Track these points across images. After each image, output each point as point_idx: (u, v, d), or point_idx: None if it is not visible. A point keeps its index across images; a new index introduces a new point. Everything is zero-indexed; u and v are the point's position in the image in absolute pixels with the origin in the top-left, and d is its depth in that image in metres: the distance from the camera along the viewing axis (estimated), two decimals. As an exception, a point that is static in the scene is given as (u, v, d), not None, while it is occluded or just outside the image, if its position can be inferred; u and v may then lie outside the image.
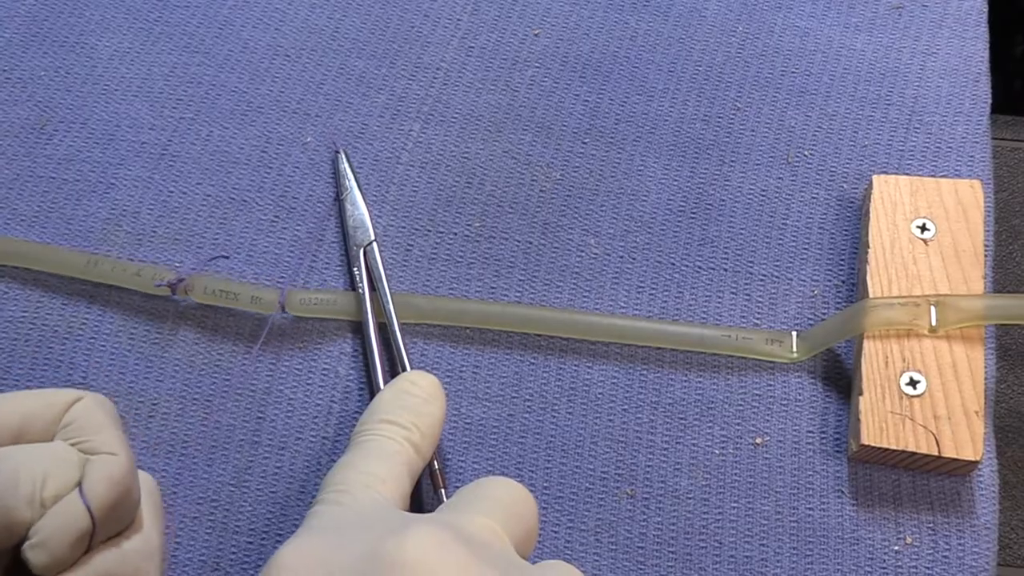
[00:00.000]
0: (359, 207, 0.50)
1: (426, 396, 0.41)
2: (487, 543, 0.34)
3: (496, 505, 0.36)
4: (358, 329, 0.48)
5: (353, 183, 0.51)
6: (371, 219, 0.50)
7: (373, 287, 0.48)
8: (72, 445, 0.35)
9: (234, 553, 0.44)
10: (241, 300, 0.47)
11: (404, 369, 0.46)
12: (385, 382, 0.45)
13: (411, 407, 0.41)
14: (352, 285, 0.49)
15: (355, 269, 0.49)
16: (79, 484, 0.34)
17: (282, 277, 0.49)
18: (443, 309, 0.48)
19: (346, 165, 0.51)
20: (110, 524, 0.35)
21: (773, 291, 0.49)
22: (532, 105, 0.54)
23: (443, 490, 0.44)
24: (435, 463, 0.44)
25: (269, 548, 0.44)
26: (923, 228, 0.48)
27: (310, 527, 0.36)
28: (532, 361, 0.48)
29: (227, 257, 0.49)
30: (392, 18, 0.57)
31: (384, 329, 0.47)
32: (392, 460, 0.39)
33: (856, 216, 0.51)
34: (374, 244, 0.49)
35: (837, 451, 0.45)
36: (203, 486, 0.45)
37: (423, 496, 0.44)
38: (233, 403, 0.47)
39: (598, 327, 0.47)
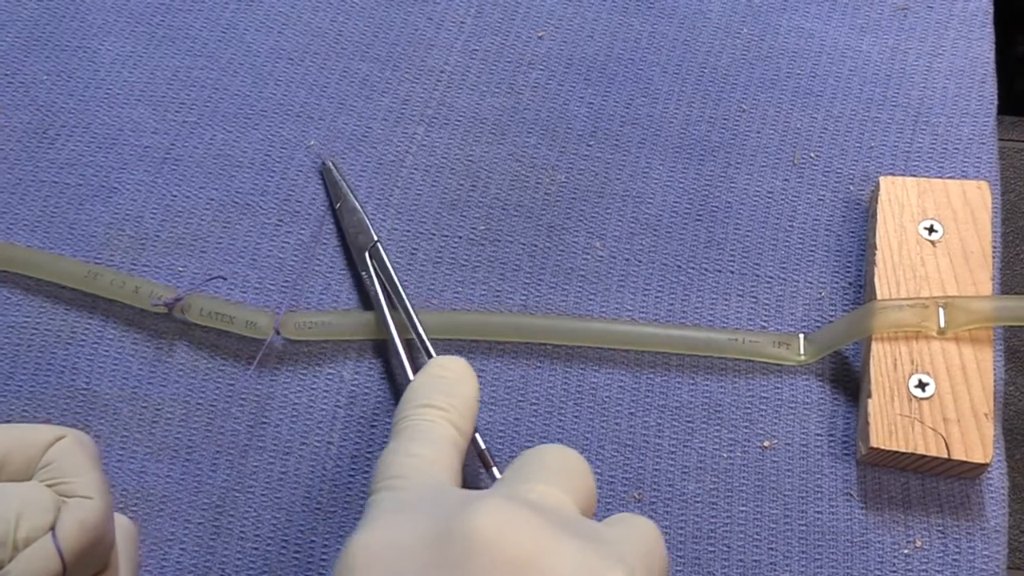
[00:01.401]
0: (357, 211, 0.50)
1: (457, 377, 0.41)
2: (554, 509, 0.34)
3: (553, 471, 0.36)
4: (363, 333, 0.48)
5: (347, 189, 0.50)
6: (375, 222, 0.50)
7: (384, 287, 0.48)
8: (49, 486, 0.35)
9: (239, 558, 0.44)
10: (236, 324, 0.47)
11: (429, 356, 0.46)
12: (413, 372, 0.45)
13: (445, 389, 0.41)
14: (359, 289, 0.48)
15: (363, 273, 0.48)
16: (52, 527, 0.34)
17: (286, 281, 0.49)
18: (452, 323, 0.47)
19: (336, 174, 0.51)
20: (81, 569, 0.35)
21: (780, 293, 0.49)
22: (536, 108, 0.54)
23: (494, 468, 0.43)
24: (479, 443, 0.43)
25: (273, 553, 0.44)
26: (931, 230, 0.47)
27: (373, 516, 0.35)
28: (538, 365, 0.47)
29: (225, 278, 0.49)
30: (395, 21, 0.57)
31: (398, 328, 0.47)
32: (437, 442, 0.38)
33: (863, 218, 0.51)
34: (379, 244, 0.49)
35: (846, 454, 0.45)
36: (207, 491, 0.45)
37: (474, 479, 0.44)
38: (237, 408, 0.46)
39: (604, 334, 0.47)
